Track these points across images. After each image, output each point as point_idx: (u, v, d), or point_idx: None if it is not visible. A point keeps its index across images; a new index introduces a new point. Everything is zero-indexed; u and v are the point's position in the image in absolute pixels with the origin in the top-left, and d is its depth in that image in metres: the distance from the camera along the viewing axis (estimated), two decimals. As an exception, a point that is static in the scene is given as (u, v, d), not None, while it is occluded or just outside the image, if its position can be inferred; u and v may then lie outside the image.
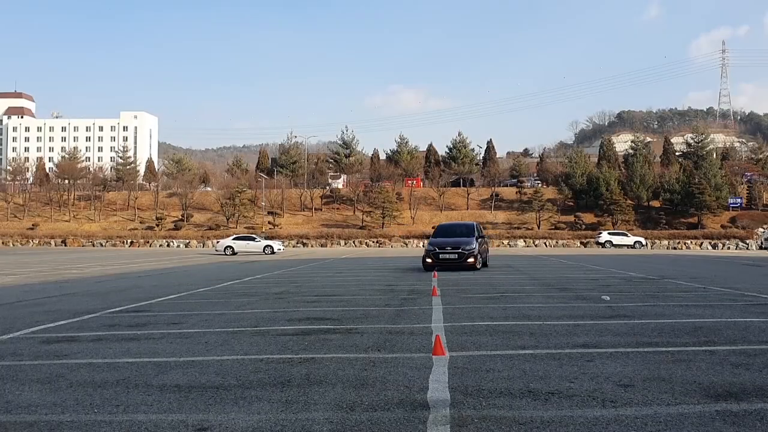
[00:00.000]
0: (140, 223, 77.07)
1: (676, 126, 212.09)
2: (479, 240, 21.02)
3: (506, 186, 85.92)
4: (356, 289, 13.88)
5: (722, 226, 68.35)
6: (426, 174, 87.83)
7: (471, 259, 19.66)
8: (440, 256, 19.71)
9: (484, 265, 22.00)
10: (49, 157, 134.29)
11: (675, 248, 62.14)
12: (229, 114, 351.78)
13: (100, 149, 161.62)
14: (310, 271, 22.16)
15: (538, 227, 70.87)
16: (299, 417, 4.17)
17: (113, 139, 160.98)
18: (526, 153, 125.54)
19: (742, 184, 78.37)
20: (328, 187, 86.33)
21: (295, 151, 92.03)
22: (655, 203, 75.13)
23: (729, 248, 61.74)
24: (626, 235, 62.51)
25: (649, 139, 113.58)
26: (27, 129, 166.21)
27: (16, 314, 9.87)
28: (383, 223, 71.90)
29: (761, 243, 62.79)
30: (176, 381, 5.25)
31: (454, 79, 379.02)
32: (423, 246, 60.98)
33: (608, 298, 11.67)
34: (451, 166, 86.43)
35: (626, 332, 7.55)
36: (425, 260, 19.85)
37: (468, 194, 79.87)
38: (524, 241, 65.67)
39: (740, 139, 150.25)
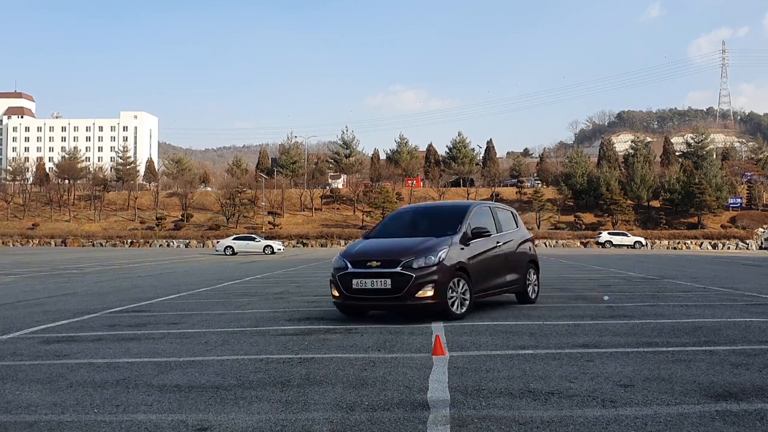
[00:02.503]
0: (140, 223, 77.07)
1: (676, 126, 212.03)
2: (478, 240, 9.30)
3: (506, 186, 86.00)
4: (356, 289, 13.86)
5: (722, 226, 68.41)
6: (426, 174, 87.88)
7: (426, 291, 8.28)
8: (354, 283, 8.59)
9: (526, 300, 10.71)
10: (49, 157, 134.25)
11: (675, 248, 62.16)
12: (229, 114, 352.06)
13: (100, 149, 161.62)
14: (311, 271, 22.16)
15: (538, 227, 70.85)
16: (299, 417, 4.17)
17: (113, 139, 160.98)
18: (526, 153, 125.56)
19: (742, 184, 78.48)
20: (328, 187, 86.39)
21: (295, 151, 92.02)
22: (655, 203, 75.18)
23: (729, 248, 61.75)
24: (626, 235, 62.58)
25: (649, 139, 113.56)
26: (27, 129, 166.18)
27: (16, 314, 9.88)
28: (383, 223, 71.80)
29: (761, 243, 62.84)
30: (176, 381, 5.25)
31: (454, 79, 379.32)
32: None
33: (608, 298, 11.67)
34: (451, 166, 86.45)
35: (626, 332, 7.55)
36: (332, 292, 9.11)
37: (468, 194, 79.85)
38: (524, 241, 65.58)
39: (740, 139, 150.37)
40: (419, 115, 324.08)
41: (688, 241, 64.43)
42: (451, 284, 8.46)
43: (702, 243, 63.74)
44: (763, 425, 3.91)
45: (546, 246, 63.48)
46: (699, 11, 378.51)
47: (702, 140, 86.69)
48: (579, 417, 4.10)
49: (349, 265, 8.68)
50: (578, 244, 64.78)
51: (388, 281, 8.29)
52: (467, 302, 8.76)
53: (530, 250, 11.09)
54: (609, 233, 62.85)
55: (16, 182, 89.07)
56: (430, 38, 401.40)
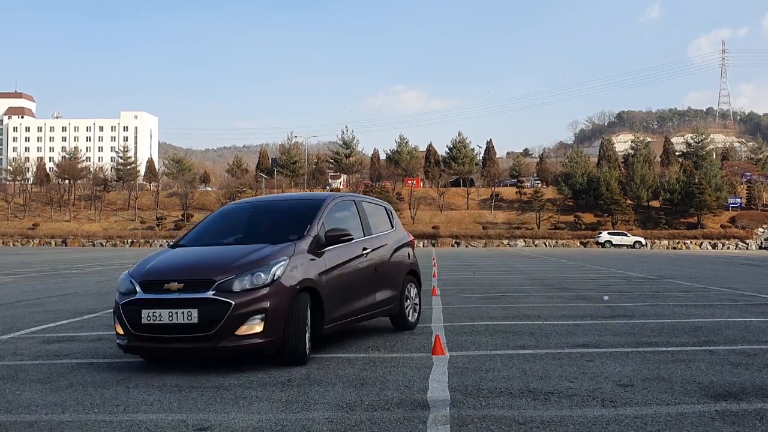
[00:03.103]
0: (141, 223, 77.09)
1: (676, 126, 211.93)
2: (336, 247, 6.53)
3: (506, 186, 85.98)
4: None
5: (722, 226, 68.43)
6: (426, 174, 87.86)
7: (253, 325, 5.49)
8: (144, 316, 5.51)
9: (404, 324, 7.92)
10: (50, 157, 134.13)
11: (675, 248, 62.17)
12: (229, 114, 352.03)
13: (100, 149, 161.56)
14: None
15: (538, 227, 70.89)
16: (299, 417, 4.17)
17: (113, 139, 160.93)
18: (526, 153, 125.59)
19: (742, 184, 78.50)
20: (328, 187, 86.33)
21: (295, 151, 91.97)
22: (655, 203, 75.17)
23: (729, 248, 61.78)
24: (626, 235, 62.64)
25: (649, 139, 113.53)
26: (27, 129, 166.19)
27: (16, 314, 9.88)
28: (383, 223, 71.86)
29: (761, 243, 62.89)
30: (176, 381, 5.26)
31: (454, 79, 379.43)
32: (417, 248, 60.66)
33: (608, 297, 11.68)
34: (451, 166, 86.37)
35: (626, 332, 7.56)
36: (115, 328, 5.89)
37: (468, 194, 79.89)
38: (524, 241, 65.74)
39: (740, 139, 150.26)
40: (419, 115, 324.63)
41: (688, 241, 64.46)
42: (292, 313, 5.69)
43: (702, 243, 63.76)
44: (763, 425, 3.92)
45: (546, 246, 63.52)
46: (699, 11, 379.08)
47: (702, 140, 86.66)
48: (579, 417, 4.10)
49: (139, 289, 5.69)
50: (578, 244, 64.81)
51: (194, 312, 5.42)
52: (315, 336, 6.12)
53: (409, 257, 8.19)
54: (609, 233, 62.91)
55: (17, 182, 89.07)
56: (430, 38, 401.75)
